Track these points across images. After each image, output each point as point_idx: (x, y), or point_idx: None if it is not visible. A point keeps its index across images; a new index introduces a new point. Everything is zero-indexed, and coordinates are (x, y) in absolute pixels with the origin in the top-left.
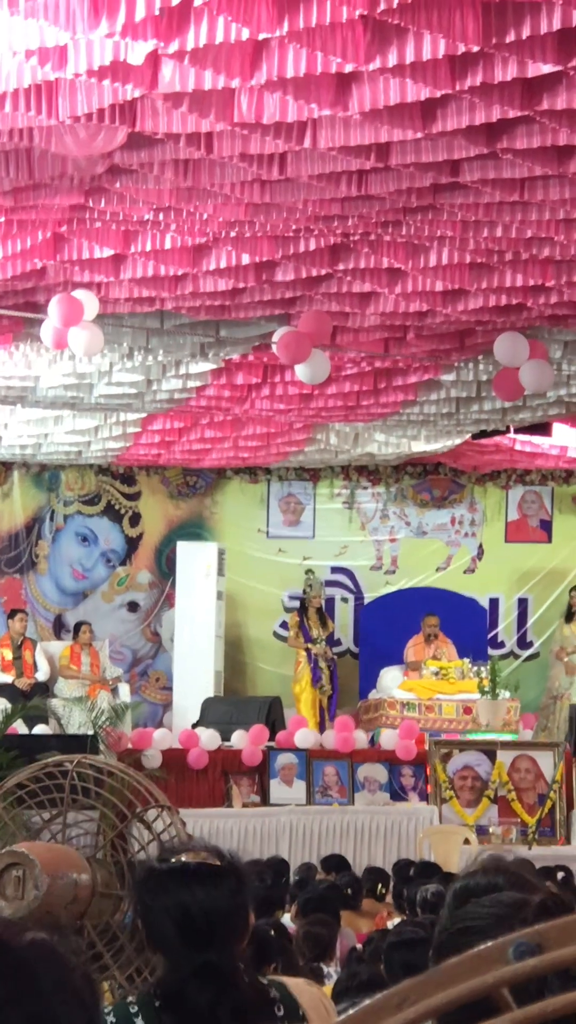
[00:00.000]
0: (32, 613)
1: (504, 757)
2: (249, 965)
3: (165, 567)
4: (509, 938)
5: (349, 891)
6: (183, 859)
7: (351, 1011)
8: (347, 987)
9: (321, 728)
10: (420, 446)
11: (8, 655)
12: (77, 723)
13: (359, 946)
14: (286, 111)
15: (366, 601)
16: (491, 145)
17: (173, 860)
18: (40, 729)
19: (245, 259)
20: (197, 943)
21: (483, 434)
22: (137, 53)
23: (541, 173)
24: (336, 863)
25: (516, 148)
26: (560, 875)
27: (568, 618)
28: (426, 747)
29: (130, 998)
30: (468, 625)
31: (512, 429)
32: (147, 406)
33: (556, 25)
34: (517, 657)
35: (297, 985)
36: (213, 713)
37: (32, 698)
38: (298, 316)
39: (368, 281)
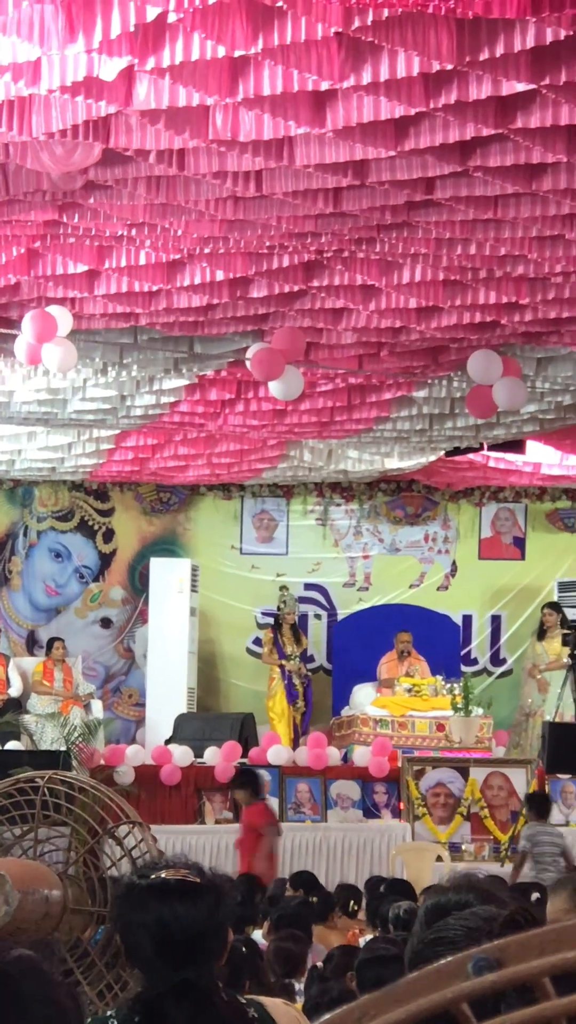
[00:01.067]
0: (5, 629)
1: (477, 774)
2: (227, 983)
3: (138, 583)
4: (468, 953)
5: (317, 903)
6: (163, 875)
7: None
8: (317, 1003)
9: (294, 745)
10: (394, 463)
11: None
12: (50, 739)
13: (320, 964)
14: (262, 128)
15: (339, 618)
16: (465, 163)
17: (153, 876)
18: (12, 745)
19: (219, 275)
20: (176, 960)
21: (456, 451)
22: (111, 69)
23: (514, 191)
24: (304, 880)
25: (490, 166)
26: (535, 895)
27: (540, 635)
28: (399, 764)
29: (109, 1012)
30: (441, 642)
31: (486, 446)
32: (121, 422)
33: (530, 43)
34: (490, 674)
35: (275, 1005)
36: (186, 729)
37: (5, 714)
38: (272, 332)
39: (342, 298)
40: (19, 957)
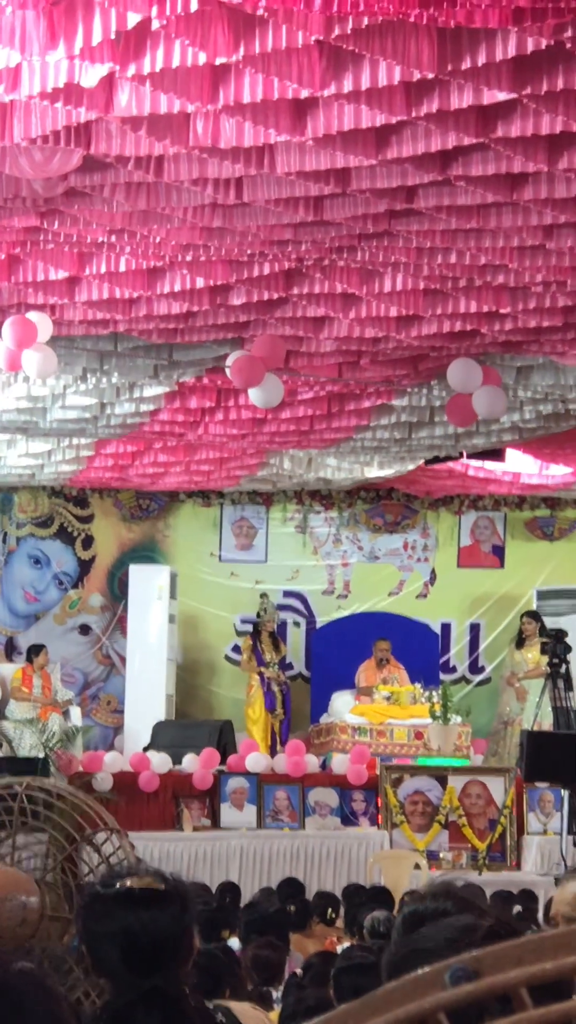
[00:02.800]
0: None
1: (455, 782)
2: (194, 989)
3: (117, 590)
4: (446, 963)
5: (295, 912)
6: (128, 884)
7: None
8: (294, 1011)
9: (272, 752)
10: (373, 471)
11: None
12: (28, 746)
13: (299, 971)
14: (243, 136)
15: (318, 625)
16: (446, 172)
17: (118, 885)
18: None
19: (199, 283)
20: (144, 968)
21: (436, 460)
22: (92, 76)
23: (495, 200)
24: (292, 889)
25: (471, 175)
26: (516, 908)
27: (519, 644)
28: (377, 772)
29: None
30: (420, 650)
31: (465, 455)
32: (100, 431)
33: (511, 52)
34: (469, 682)
35: (242, 1010)
36: (164, 736)
37: None
38: (252, 340)
39: (322, 306)
40: (21, 971)
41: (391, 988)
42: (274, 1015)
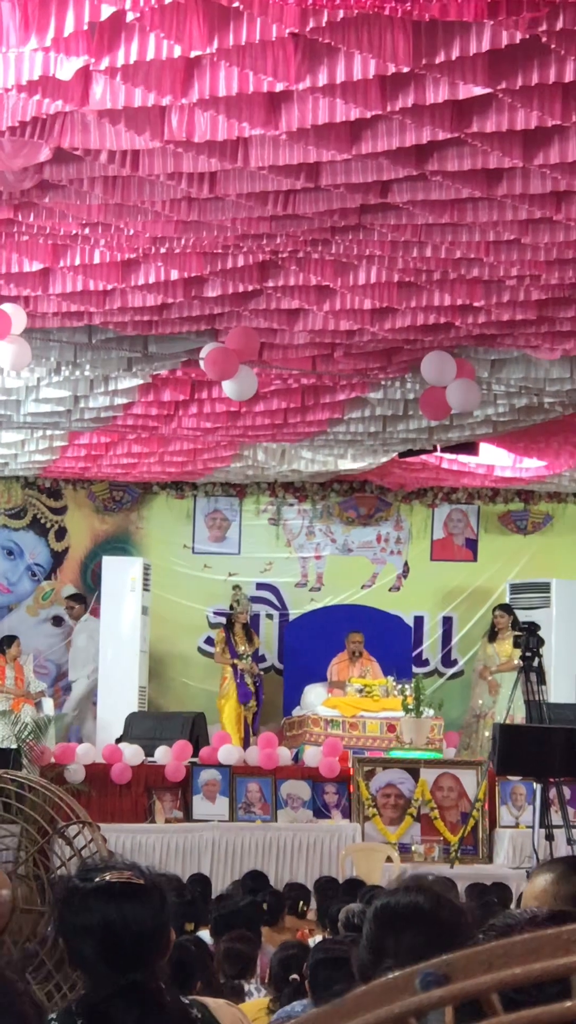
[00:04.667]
0: None
1: (427, 775)
2: (170, 984)
3: (90, 582)
4: (416, 968)
5: (267, 907)
6: (107, 878)
7: None
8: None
9: (245, 744)
10: (347, 464)
11: None
12: (0, 737)
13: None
14: (217, 129)
15: (291, 618)
16: (421, 167)
17: (97, 879)
18: None
19: (174, 275)
20: (121, 962)
21: (410, 452)
22: (67, 69)
23: (471, 195)
24: (257, 883)
25: (446, 170)
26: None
27: (492, 637)
28: (350, 764)
29: (51, 1015)
30: (393, 643)
31: (439, 448)
32: (74, 424)
33: (486, 46)
34: (441, 675)
35: (218, 1006)
36: (137, 728)
37: None
38: (226, 332)
39: (296, 298)
40: None
41: (361, 992)
42: (247, 1007)
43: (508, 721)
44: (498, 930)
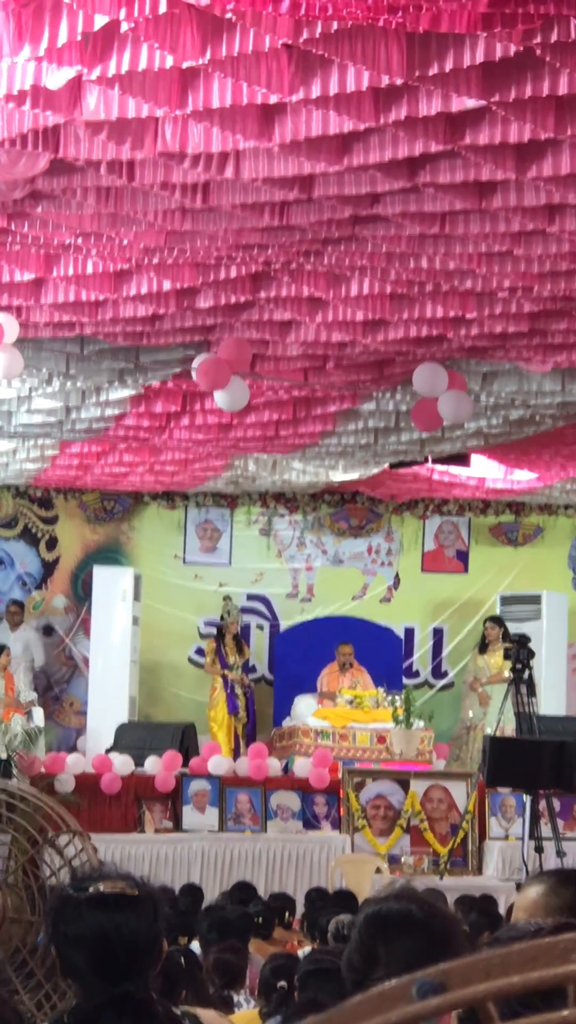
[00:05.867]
0: None
1: (417, 787)
2: (161, 994)
3: (81, 591)
4: (413, 976)
5: (260, 920)
6: (100, 888)
7: None
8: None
9: (235, 755)
10: (338, 475)
11: None
12: None
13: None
14: (210, 141)
15: (282, 629)
16: (413, 179)
17: (91, 889)
18: None
19: (166, 285)
20: (115, 973)
21: (402, 464)
22: (59, 79)
23: (463, 207)
24: (245, 894)
25: (438, 182)
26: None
27: (482, 649)
28: (339, 776)
29: None
30: (383, 654)
31: (430, 459)
32: (65, 434)
33: (479, 59)
34: (432, 687)
35: (209, 1017)
36: (127, 738)
37: None
38: (218, 343)
39: (289, 309)
40: None
41: (357, 1001)
42: (237, 1018)
43: (498, 733)
44: (503, 942)
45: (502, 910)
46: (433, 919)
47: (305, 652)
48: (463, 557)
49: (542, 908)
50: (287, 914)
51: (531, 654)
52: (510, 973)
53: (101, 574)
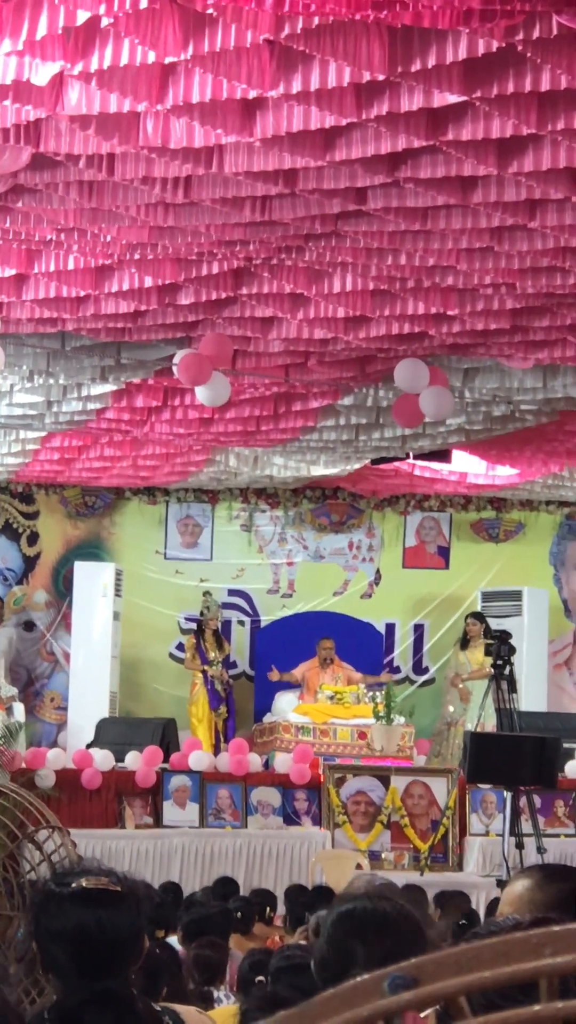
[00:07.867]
0: None
1: (398, 783)
2: (142, 991)
3: (62, 587)
4: (385, 971)
5: (240, 915)
6: (83, 883)
7: None
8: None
9: (216, 751)
10: (319, 470)
11: None
12: None
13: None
14: (192, 136)
15: (262, 624)
16: (395, 174)
17: (74, 885)
18: None
19: (148, 281)
20: (97, 968)
21: (383, 459)
22: (42, 74)
23: (445, 203)
24: (227, 889)
25: (420, 177)
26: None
27: (463, 645)
28: (320, 771)
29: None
30: (364, 650)
31: (412, 455)
32: (47, 427)
33: (462, 54)
34: (412, 683)
35: (188, 1013)
36: (108, 734)
37: None
38: (200, 339)
39: (271, 306)
40: None
41: (329, 995)
42: (216, 1014)
43: (479, 729)
44: (481, 937)
45: (482, 906)
46: (403, 918)
47: (286, 648)
48: (444, 553)
49: (528, 903)
50: (268, 910)
51: (512, 650)
52: (482, 968)
53: (82, 569)
